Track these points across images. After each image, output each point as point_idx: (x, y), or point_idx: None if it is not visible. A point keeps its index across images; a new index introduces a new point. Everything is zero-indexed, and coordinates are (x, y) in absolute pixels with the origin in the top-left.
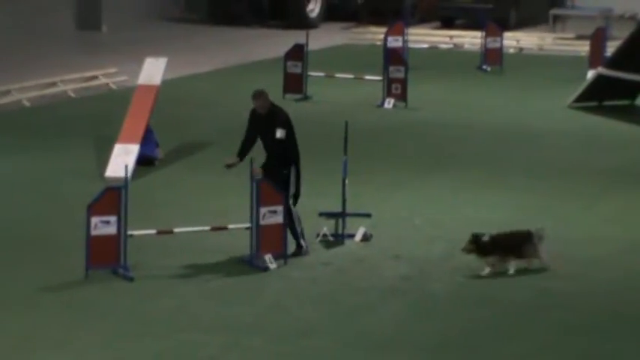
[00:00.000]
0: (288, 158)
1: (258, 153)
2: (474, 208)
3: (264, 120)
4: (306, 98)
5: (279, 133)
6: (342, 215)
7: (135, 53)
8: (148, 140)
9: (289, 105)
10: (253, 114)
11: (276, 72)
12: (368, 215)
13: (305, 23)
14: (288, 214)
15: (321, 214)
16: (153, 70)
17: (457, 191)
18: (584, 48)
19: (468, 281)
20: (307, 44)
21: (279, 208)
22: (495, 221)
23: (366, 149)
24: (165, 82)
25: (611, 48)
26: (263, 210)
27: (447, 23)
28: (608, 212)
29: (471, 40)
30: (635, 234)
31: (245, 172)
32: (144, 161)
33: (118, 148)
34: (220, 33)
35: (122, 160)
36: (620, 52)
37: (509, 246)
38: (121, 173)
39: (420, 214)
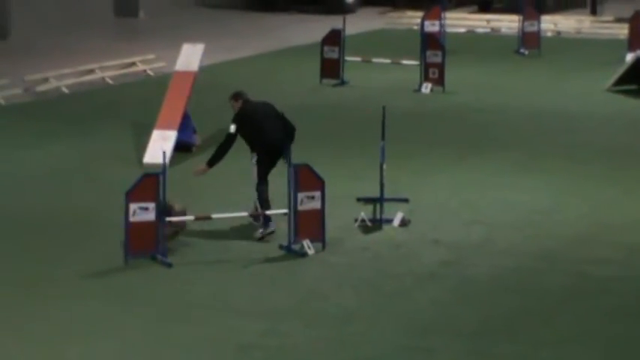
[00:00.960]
0: (251, 148)
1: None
2: (512, 192)
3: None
4: (343, 83)
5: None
6: (379, 200)
7: (172, 39)
8: (185, 126)
9: (326, 90)
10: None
11: (313, 57)
12: (406, 200)
13: (342, 8)
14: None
15: (359, 200)
16: (190, 56)
17: (495, 175)
18: (622, 31)
19: (508, 266)
20: (344, 29)
21: (317, 194)
22: (533, 205)
23: (404, 134)
24: (202, 68)
25: None
26: (301, 195)
27: (484, 7)
28: None
29: (508, 24)
30: None
31: (280, 159)
32: (181, 147)
33: (156, 135)
34: (257, 18)
35: (160, 146)
36: None
37: None
38: (159, 159)
39: (458, 198)
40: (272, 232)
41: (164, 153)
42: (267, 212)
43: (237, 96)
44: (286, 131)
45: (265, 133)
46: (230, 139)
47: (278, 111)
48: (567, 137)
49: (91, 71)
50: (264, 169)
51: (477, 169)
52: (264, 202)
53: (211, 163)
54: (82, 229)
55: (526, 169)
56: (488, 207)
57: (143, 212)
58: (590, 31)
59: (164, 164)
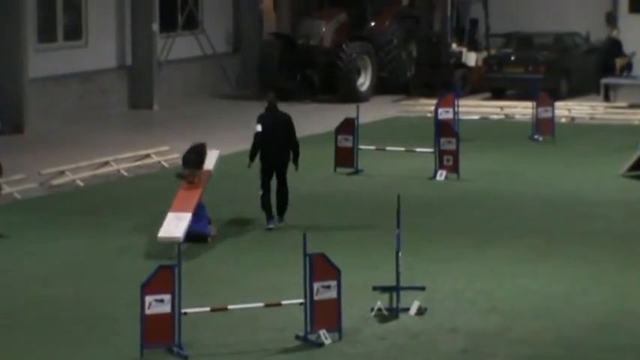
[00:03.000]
0: None
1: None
2: (529, 279)
3: None
4: (357, 172)
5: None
6: (396, 289)
7: (186, 131)
8: (200, 217)
9: (341, 179)
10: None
11: (327, 146)
12: (422, 288)
13: (355, 97)
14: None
15: (375, 288)
16: (207, 158)
17: (512, 262)
18: (636, 117)
19: (526, 354)
20: (358, 118)
21: (333, 283)
22: (551, 292)
23: (419, 222)
24: (219, 158)
25: None
26: (316, 285)
27: (498, 94)
28: None
29: (521, 110)
30: None
31: (298, 248)
32: (196, 238)
33: (171, 216)
34: None
35: (175, 224)
36: None
37: None
38: (173, 234)
39: (475, 286)
40: (270, 229)
41: (179, 246)
42: (284, 302)
43: (266, 95)
44: (289, 145)
45: (266, 142)
46: (256, 137)
47: (290, 125)
48: (584, 224)
49: (106, 164)
50: (263, 177)
51: (494, 256)
52: (265, 207)
53: (251, 158)
54: (97, 322)
55: (543, 256)
56: (506, 295)
57: (159, 304)
58: (603, 117)
59: (179, 255)
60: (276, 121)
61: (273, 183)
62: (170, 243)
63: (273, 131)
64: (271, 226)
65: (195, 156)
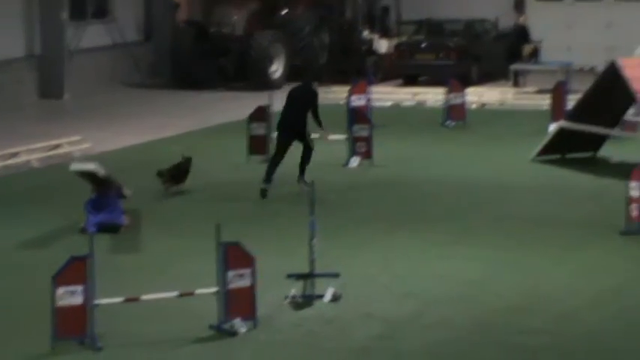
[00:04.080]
0: None
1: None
2: (443, 265)
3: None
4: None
5: None
6: (310, 276)
7: (98, 120)
8: (113, 207)
9: (255, 167)
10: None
11: (240, 134)
12: (336, 275)
13: (268, 84)
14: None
15: (289, 276)
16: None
17: (426, 248)
18: (545, 102)
19: (441, 339)
20: (271, 105)
21: (247, 272)
22: (465, 277)
23: (333, 209)
24: (131, 147)
25: (571, 101)
26: (230, 274)
27: (410, 81)
28: (579, 265)
29: (433, 96)
30: (605, 286)
31: (213, 235)
32: (110, 228)
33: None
34: (184, 97)
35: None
36: (581, 105)
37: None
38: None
39: (389, 271)
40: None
41: (91, 237)
42: (197, 292)
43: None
44: (302, 117)
45: (284, 112)
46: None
47: (312, 100)
48: (496, 208)
49: (17, 154)
50: (276, 145)
51: (408, 242)
52: (266, 175)
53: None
54: (6, 314)
55: (457, 242)
56: (420, 280)
57: (70, 296)
58: (513, 103)
59: (91, 246)
60: (297, 94)
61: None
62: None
63: (293, 103)
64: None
65: (178, 173)
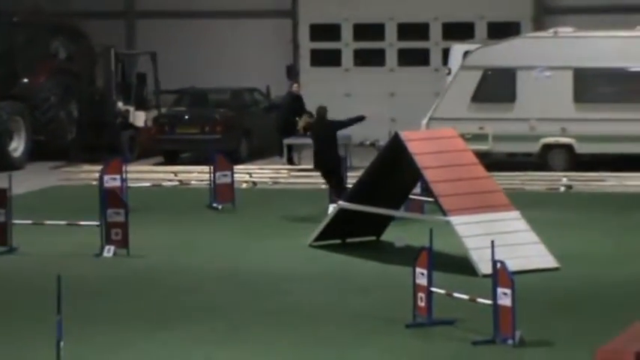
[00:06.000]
0: None
1: None
2: None
3: None
4: (11, 251)
5: None
6: None
7: None
8: None
9: None
10: None
11: None
12: None
13: (7, 164)
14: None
15: None
16: None
17: (189, 349)
18: (323, 180)
19: None
20: (10, 188)
21: None
22: None
23: (85, 306)
24: None
25: (352, 179)
26: None
27: (171, 158)
28: None
29: (198, 175)
30: None
31: None
32: None
33: None
34: None
35: None
36: (362, 183)
37: None
38: None
39: None
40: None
41: None
42: None
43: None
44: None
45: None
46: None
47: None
48: (269, 301)
49: None
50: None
51: (169, 342)
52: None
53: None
54: None
55: (225, 340)
56: None
57: None
58: (288, 181)
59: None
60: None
61: None
62: None
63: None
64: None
65: None
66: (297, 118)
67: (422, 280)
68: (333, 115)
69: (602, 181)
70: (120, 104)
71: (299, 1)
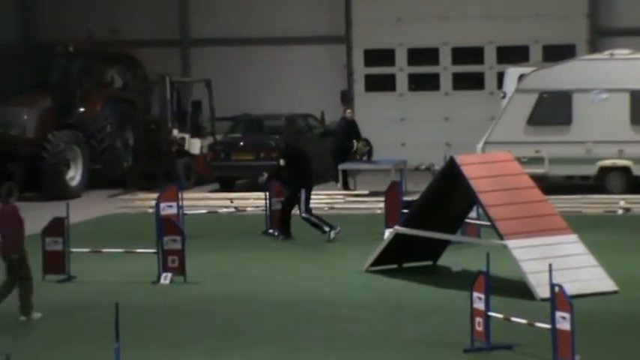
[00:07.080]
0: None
1: None
2: None
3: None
4: (69, 279)
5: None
6: None
7: None
8: None
9: (51, 288)
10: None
11: (34, 250)
12: None
13: (65, 193)
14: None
15: None
16: None
17: None
18: (379, 205)
19: None
20: (68, 217)
21: None
22: None
23: (142, 333)
24: None
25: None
26: None
27: (226, 184)
28: None
29: (254, 202)
30: None
31: None
32: None
33: None
34: None
35: None
36: (418, 208)
37: None
38: None
39: None
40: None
41: None
42: None
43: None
44: None
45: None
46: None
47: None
48: (327, 327)
49: None
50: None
51: None
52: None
53: None
54: None
55: None
56: None
57: None
58: (343, 207)
59: None
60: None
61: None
62: None
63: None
64: (338, 229)
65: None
66: (352, 143)
67: (479, 305)
68: (387, 140)
69: None
70: (175, 132)
71: (353, 27)
